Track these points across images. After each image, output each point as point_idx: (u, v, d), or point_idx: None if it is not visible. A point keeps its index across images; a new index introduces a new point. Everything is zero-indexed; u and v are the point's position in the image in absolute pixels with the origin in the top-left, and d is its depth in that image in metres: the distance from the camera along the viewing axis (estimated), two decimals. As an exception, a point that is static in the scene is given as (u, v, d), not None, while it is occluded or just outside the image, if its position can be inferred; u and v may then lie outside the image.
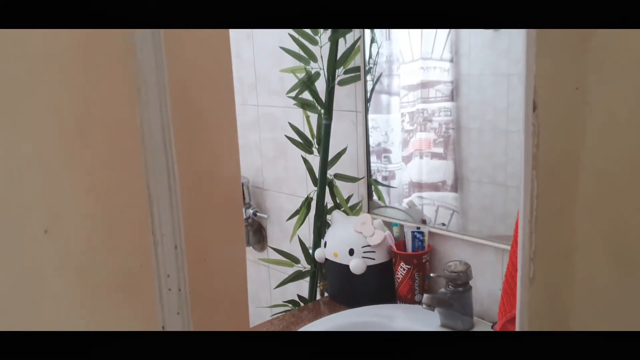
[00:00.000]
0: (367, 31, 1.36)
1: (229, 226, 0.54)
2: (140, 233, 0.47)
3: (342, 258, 1.35)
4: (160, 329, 0.48)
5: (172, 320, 0.48)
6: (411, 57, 1.32)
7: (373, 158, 1.43)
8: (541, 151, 0.42)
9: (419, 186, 1.37)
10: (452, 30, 1.23)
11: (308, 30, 1.36)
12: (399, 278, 1.30)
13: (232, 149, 0.54)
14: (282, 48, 1.41)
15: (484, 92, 1.22)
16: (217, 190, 0.54)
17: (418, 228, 1.31)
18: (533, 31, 0.41)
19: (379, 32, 1.35)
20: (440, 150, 1.30)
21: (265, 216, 1.76)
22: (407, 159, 1.37)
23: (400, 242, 1.33)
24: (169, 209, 0.47)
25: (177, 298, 0.48)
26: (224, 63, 0.56)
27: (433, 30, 1.26)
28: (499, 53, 1.18)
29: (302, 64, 1.39)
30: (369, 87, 1.39)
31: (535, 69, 0.41)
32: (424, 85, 1.31)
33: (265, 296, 1.85)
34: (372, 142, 1.42)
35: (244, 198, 1.78)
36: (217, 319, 0.54)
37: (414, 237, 1.30)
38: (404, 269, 1.29)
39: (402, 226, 1.34)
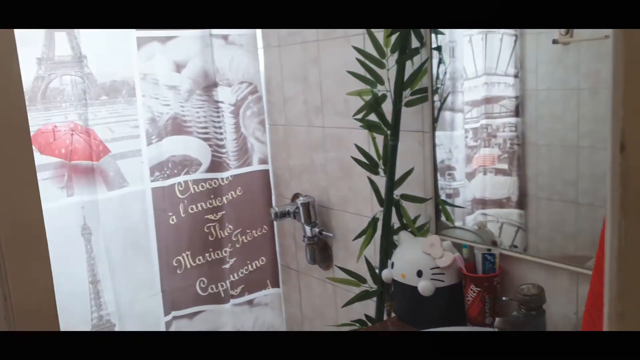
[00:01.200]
0: (435, 52, 1.36)
1: (35, 248, 0.72)
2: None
3: (410, 279, 1.35)
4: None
5: (0, 324, 0.65)
6: (475, 73, 1.32)
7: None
8: (629, 192, 0.42)
9: (482, 203, 1.36)
10: (517, 45, 1.22)
11: (375, 54, 1.38)
12: (469, 300, 1.29)
13: (33, 192, 0.71)
14: (349, 72, 1.43)
15: (552, 107, 1.20)
16: (21, 222, 0.71)
17: (489, 250, 1.29)
18: (621, 72, 0.41)
19: (444, 50, 1.36)
20: (504, 166, 1.29)
21: (331, 235, 1.79)
22: (470, 176, 1.37)
23: (469, 264, 1.32)
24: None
25: (3, 306, 0.64)
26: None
27: (497, 46, 1.26)
28: (567, 67, 1.16)
29: (368, 87, 1.41)
30: (436, 107, 1.39)
31: (623, 111, 0.41)
32: (488, 100, 1.30)
33: (332, 314, 1.87)
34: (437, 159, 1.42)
35: (309, 217, 1.81)
36: (35, 322, 0.72)
37: (484, 259, 1.28)
38: (474, 292, 1.28)
39: (472, 248, 1.33)
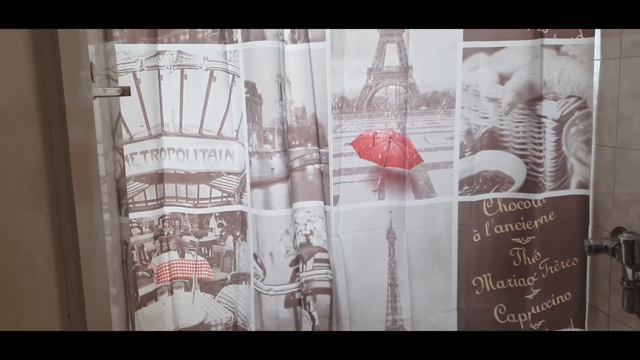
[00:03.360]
0: None
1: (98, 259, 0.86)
2: (55, 257, 0.73)
3: None
4: (66, 317, 0.74)
5: (73, 312, 0.74)
6: None
7: None
8: None
9: None
10: None
11: None
12: None
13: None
14: None
15: None
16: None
17: None
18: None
19: None
20: None
21: (663, 284, 1.49)
22: None
23: None
24: (72, 247, 0.74)
25: (76, 295, 0.75)
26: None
27: None
28: None
29: None
30: None
31: None
32: None
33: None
34: None
35: (633, 257, 1.55)
36: (100, 312, 0.85)
37: None
38: None
39: None
